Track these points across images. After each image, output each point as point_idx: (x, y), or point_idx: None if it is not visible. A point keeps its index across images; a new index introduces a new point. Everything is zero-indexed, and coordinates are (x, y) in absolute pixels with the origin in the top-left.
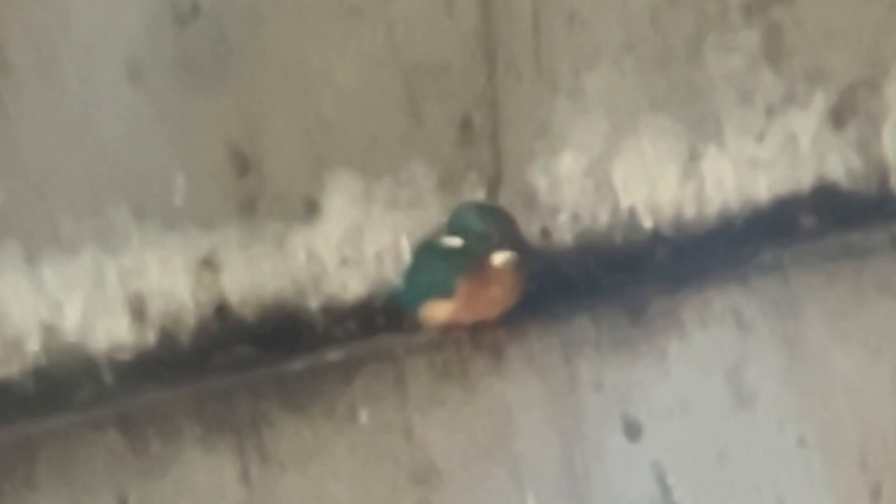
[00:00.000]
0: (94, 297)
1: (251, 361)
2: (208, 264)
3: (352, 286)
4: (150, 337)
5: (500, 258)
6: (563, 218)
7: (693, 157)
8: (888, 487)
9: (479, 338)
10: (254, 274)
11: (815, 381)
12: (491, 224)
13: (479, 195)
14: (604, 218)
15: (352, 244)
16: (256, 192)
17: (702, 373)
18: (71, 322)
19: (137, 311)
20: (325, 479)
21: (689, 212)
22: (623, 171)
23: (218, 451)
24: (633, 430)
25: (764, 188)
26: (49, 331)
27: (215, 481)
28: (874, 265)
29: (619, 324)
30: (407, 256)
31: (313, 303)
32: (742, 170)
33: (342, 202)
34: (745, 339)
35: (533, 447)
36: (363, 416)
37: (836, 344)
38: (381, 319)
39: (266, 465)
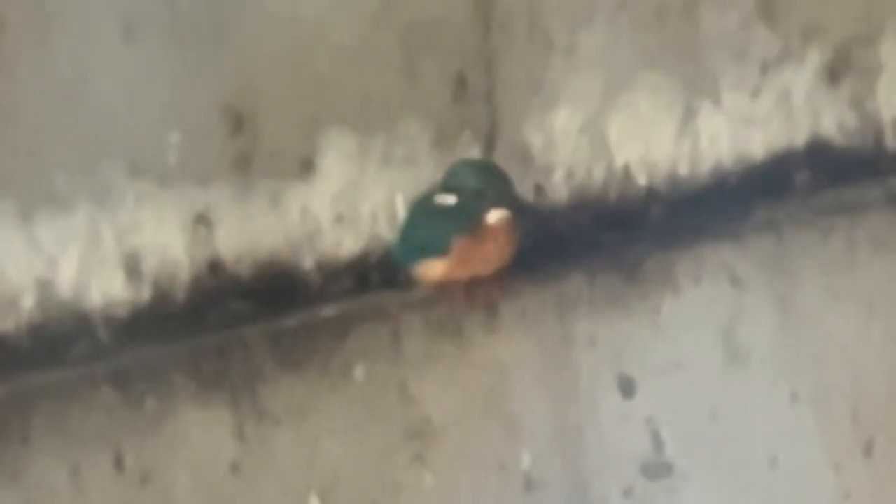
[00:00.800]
0: (89, 253)
1: (246, 318)
2: (203, 221)
3: (346, 243)
4: (145, 293)
5: (495, 216)
6: (558, 175)
7: (688, 115)
8: (880, 444)
9: (474, 295)
10: (248, 231)
11: (809, 337)
12: (486, 182)
13: (474, 153)
14: (598, 175)
15: (346, 201)
16: (251, 149)
17: (695, 330)
18: (66, 278)
19: (132, 267)
20: (319, 436)
21: (684, 169)
22: (618, 129)
23: (212, 407)
24: (626, 387)
25: (759, 145)
26: (44, 287)
27: (210, 437)
28: (868, 221)
29: (613, 281)
30: (402, 214)
31: (308, 260)
32: (737, 127)
33: (337, 160)
34: (738, 296)
35: (527, 403)
36: (358, 373)
37: (829, 300)
38: (376, 276)
39: (260, 422)
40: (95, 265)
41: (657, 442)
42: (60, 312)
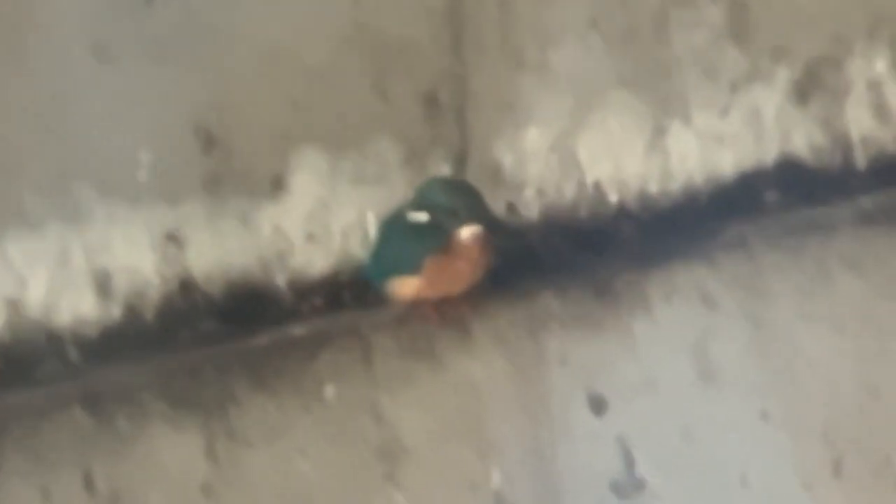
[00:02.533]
0: (59, 272)
1: (217, 337)
2: (173, 240)
3: (318, 262)
4: (115, 313)
5: (466, 234)
6: (529, 193)
7: (658, 133)
8: (849, 463)
9: (446, 313)
10: (219, 250)
11: (780, 356)
12: (457, 199)
13: (445, 171)
14: (569, 193)
15: (318, 220)
16: (222, 167)
17: (667, 348)
18: (35, 298)
19: (102, 286)
20: (291, 456)
21: (654, 187)
22: (588, 147)
23: (184, 427)
24: (598, 406)
25: (728, 164)
26: (13, 307)
27: (181, 457)
28: (839, 241)
29: (584, 299)
30: (373, 232)
31: (279, 279)
32: (707, 145)
33: (308, 178)
34: (709, 315)
35: (499, 423)
36: (329, 392)
37: (800, 319)
38: (348, 295)
39: (232, 442)
40: (65, 284)
41: (628, 460)
42: (30, 332)
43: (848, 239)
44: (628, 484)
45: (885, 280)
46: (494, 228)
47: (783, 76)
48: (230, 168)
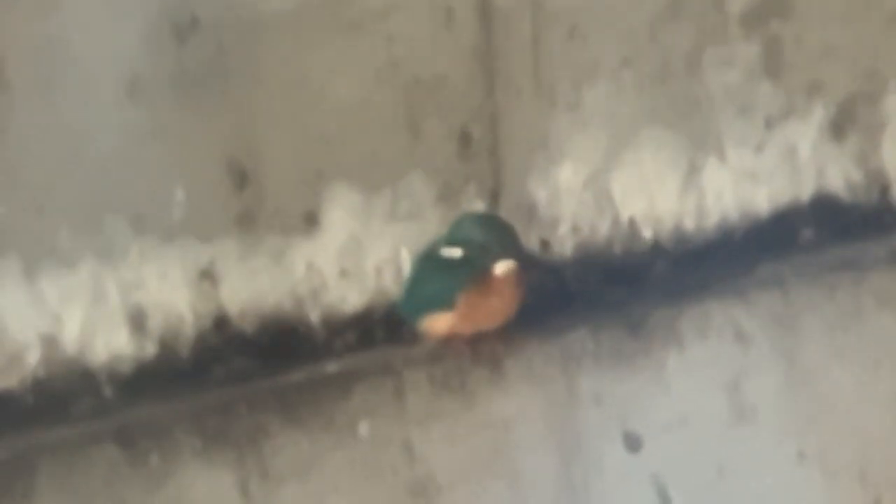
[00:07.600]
0: (94, 310)
1: (250, 374)
2: (208, 277)
3: (351, 298)
4: (150, 349)
5: (500, 269)
6: (563, 230)
7: (692, 170)
8: (887, 502)
9: (479, 350)
10: (253, 286)
11: (815, 394)
12: (491, 235)
13: (479, 208)
14: (603, 230)
15: (351, 257)
16: (255, 205)
17: (701, 386)
18: (70, 335)
19: (137, 323)
20: (323, 493)
21: (689, 224)
22: (622, 184)
23: (217, 464)
24: (632, 444)
25: (763, 201)
26: (48, 344)
27: (214, 495)
28: (874, 278)
29: (618, 336)
30: (406, 268)
31: (313, 315)
32: (741, 182)
33: (341, 215)
34: (744, 353)
35: (532, 460)
36: (362, 429)
37: (835, 357)
38: (381, 332)
39: (265, 479)
40: (100, 321)
41: (663, 498)
42: (65, 369)
43: (883, 276)
44: None
45: None
46: (528, 264)
47: (818, 113)
48: (263, 205)
